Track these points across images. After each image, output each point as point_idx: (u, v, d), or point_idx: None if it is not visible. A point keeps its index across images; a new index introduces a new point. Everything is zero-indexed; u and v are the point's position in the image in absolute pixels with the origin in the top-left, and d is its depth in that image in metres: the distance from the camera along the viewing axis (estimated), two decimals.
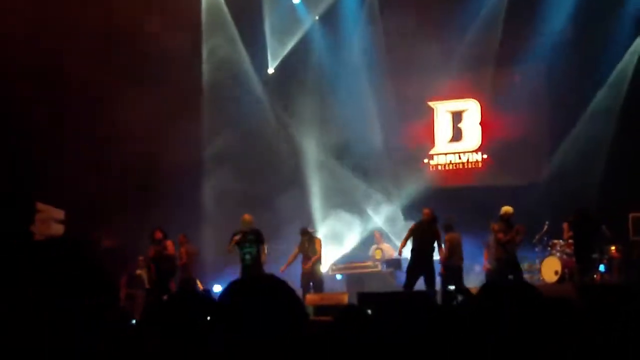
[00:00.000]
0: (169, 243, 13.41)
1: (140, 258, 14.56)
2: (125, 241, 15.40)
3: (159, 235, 13.32)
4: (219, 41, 17.31)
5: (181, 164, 15.86)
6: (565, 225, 13.08)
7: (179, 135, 15.42)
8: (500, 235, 12.50)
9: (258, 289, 2.22)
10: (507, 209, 12.76)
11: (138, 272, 14.74)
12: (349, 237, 16.76)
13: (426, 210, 12.75)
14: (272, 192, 16.62)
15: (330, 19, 17.92)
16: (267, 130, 17.67)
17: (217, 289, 14.27)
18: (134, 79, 14.64)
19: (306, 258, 13.86)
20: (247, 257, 12.62)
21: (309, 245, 13.97)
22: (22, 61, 13.26)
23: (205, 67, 17.28)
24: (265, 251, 12.80)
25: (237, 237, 12.64)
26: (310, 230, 14.52)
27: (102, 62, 14.60)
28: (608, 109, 15.99)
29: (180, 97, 15.70)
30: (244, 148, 16.85)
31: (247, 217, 12.88)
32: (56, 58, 13.86)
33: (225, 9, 17.43)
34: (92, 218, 14.30)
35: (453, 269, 12.76)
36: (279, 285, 2.22)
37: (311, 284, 13.71)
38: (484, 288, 2.34)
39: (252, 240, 12.66)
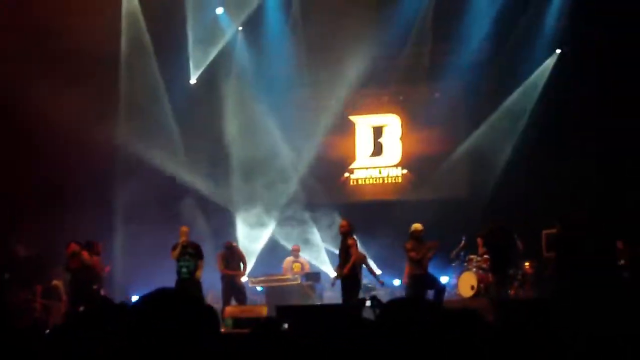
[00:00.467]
0: (84, 254, 13.07)
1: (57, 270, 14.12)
2: (40, 249, 14.94)
3: (73, 248, 12.98)
4: (136, 50, 16.97)
5: (95, 170, 15.49)
6: (479, 240, 13.32)
7: (95, 140, 14.98)
8: (412, 254, 12.65)
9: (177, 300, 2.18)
10: (416, 226, 12.90)
11: (54, 282, 14.35)
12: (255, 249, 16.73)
13: (342, 222, 12.75)
14: (185, 204, 16.44)
15: (253, 29, 17.81)
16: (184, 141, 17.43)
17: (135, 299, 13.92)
18: (52, 78, 14.18)
19: (232, 270, 13.94)
20: (184, 270, 12.61)
21: (232, 258, 14.02)
22: None
23: (122, 74, 16.89)
24: (202, 266, 12.74)
25: (177, 249, 12.60)
26: (233, 243, 14.65)
27: (17, 59, 14.05)
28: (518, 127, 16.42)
29: (97, 103, 15.25)
30: (161, 158, 16.49)
31: (184, 228, 12.90)
32: None
33: (141, 18, 17.08)
34: (4, 224, 13.83)
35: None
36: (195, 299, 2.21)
37: (232, 296, 13.81)
38: (388, 303, 2.35)
39: (191, 254, 12.65)
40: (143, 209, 15.54)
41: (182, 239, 12.74)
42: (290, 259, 15.88)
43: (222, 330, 10.62)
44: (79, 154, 14.97)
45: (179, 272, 12.61)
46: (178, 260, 12.62)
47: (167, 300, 2.16)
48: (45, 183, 15.21)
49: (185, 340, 2.06)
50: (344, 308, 11.38)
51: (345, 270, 12.26)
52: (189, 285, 12.33)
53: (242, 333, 5.25)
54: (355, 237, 12.44)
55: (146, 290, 2.31)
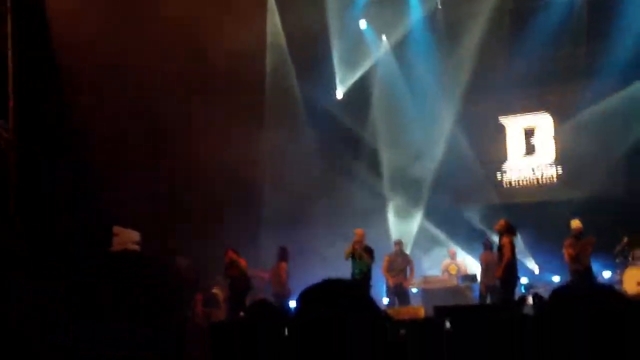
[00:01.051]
0: (242, 261, 13.70)
1: (217, 278, 14.87)
2: (196, 259, 15.66)
3: (231, 255, 13.67)
4: (280, 69, 17.75)
5: (243, 183, 16.19)
6: None
7: (242, 155, 15.64)
8: (570, 251, 12.61)
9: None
10: (576, 223, 12.88)
11: (214, 291, 14.99)
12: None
13: (500, 221, 12.72)
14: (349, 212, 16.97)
15: (398, 40, 18.14)
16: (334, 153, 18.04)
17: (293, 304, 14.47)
18: (205, 93, 15.04)
19: (397, 271, 14.35)
20: (357, 271, 13.12)
21: (401, 259, 14.53)
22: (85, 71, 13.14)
23: (267, 94, 17.69)
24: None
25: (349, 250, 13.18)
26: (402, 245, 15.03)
27: (168, 75, 14.80)
28: None
29: (245, 114, 16.00)
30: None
31: (360, 231, 13.44)
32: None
33: (283, 38, 17.79)
34: (163, 237, 14.61)
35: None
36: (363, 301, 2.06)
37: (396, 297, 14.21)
38: (553, 294, 2.19)
39: (364, 257, 13.15)
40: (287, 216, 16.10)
41: (357, 240, 13.23)
42: (447, 261, 16.02)
43: None
44: (228, 168, 15.57)
45: (352, 274, 13.11)
46: (353, 260, 13.15)
47: (335, 289, 2.06)
48: (198, 196, 15.90)
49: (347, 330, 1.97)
50: (504, 307, 11.38)
51: (498, 273, 12.35)
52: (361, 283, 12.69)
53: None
54: (511, 236, 12.41)
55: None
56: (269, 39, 17.78)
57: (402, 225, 17.55)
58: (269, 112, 17.46)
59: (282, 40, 17.78)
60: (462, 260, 16.22)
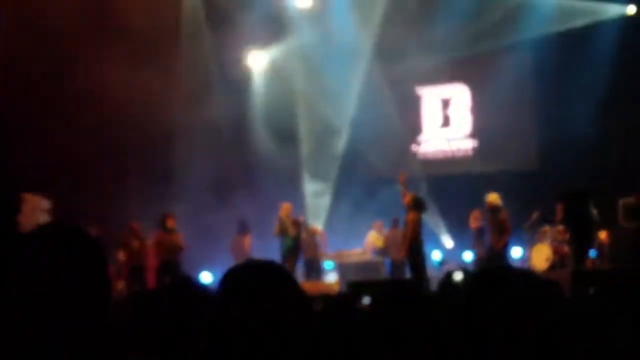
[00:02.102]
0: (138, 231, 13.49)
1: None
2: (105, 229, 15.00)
3: (135, 227, 13.35)
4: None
5: (155, 144, 15.66)
6: (558, 207, 12.88)
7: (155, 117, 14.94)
8: (475, 224, 13.22)
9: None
10: (492, 197, 12.72)
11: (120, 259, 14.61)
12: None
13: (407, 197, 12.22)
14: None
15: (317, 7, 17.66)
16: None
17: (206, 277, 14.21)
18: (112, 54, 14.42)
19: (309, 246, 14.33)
20: (285, 246, 13.46)
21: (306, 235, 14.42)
22: None
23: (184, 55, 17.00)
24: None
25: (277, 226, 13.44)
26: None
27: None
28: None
29: (157, 85, 15.34)
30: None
31: (286, 205, 13.73)
32: None
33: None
34: (74, 205, 13.94)
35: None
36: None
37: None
38: (475, 276, 2.19)
39: (289, 231, 13.46)
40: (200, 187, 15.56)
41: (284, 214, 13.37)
42: (372, 233, 15.72)
43: None
44: (140, 129, 14.92)
45: (282, 250, 13.38)
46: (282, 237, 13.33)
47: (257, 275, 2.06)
48: (109, 164, 15.39)
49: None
50: (418, 283, 11.27)
51: (402, 252, 12.34)
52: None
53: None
54: (418, 213, 11.99)
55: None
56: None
57: (319, 200, 17.27)
58: (183, 83, 16.70)
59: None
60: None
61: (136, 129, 14.79)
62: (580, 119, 15.35)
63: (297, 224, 13.56)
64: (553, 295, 2.20)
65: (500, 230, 12.53)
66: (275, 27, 17.35)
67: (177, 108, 15.95)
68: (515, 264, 13.01)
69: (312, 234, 14.68)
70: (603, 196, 13.08)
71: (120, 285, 13.61)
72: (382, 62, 17.42)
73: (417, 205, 11.97)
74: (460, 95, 17.74)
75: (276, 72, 17.75)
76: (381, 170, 17.04)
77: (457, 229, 15.60)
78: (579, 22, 16.32)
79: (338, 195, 17.14)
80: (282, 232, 13.44)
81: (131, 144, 15.45)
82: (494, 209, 12.66)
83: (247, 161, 17.09)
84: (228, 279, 2.04)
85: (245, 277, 2.05)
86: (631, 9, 16.01)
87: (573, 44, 16.14)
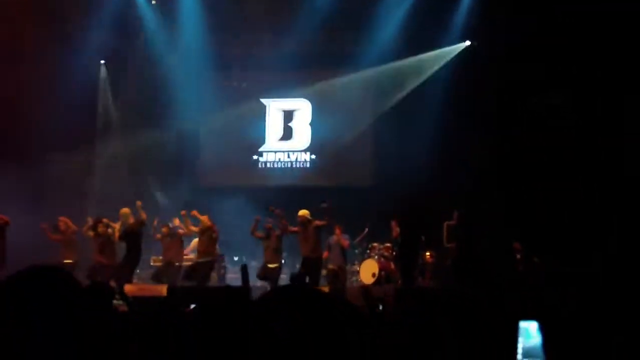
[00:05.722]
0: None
1: None
2: None
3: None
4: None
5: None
6: (393, 223, 13.40)
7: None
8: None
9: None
10: (302, 212, 13.27)
11: None
12: None
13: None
14: None
15: (166, 6, 17.34)
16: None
17: None
18: None
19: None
20: None
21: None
22: None
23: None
24: None
25: None
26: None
27: None
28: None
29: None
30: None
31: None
32: None
33: None
34: None
35: None
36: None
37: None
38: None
39: None
40: None
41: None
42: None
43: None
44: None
45: None
46: None
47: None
48: None
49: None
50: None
51: None
52: None
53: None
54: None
55: None
56: None
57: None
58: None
59: None
60: None
61: None
62: (413, 142, 16.03)
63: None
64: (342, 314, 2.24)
65: (315, 241, 13.02)
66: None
67: None
68: None
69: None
70: (429, 219, 13.76)
71: None
72: (228, 72, 17.37)
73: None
74: (302, 109, 18.03)
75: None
76: (224, 178, 17.07)
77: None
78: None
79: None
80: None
81: None
82: (304, 222, 13.08)
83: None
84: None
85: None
86: (466, 44, 16.97)
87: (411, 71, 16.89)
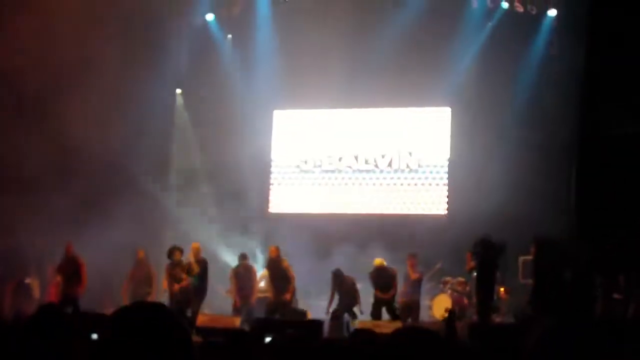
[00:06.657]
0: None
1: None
2: (17, 242, 13.89)
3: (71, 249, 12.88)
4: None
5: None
6: (468, 255, 12.83)
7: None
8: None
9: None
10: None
11: (27, 281, 13.84)
12: None
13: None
14: None
15: (243, 38, 17.58)
16: None
17: None
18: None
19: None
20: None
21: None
22: None
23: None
24: None
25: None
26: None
27: None
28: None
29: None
30: None
31: (195, 244, 13.55)
32: None
33: None
34: None
35: None
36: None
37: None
38: None
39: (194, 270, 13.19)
40: None
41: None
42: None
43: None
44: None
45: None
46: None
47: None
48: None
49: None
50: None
51: None
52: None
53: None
54: None
55: None
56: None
57: None
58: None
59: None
60: None
61: None
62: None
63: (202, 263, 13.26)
64: None
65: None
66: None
67: None
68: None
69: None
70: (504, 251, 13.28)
71: None
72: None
73: None
74: None
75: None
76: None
77: None
78: None
79: None
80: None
81: None
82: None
83: None
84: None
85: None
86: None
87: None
